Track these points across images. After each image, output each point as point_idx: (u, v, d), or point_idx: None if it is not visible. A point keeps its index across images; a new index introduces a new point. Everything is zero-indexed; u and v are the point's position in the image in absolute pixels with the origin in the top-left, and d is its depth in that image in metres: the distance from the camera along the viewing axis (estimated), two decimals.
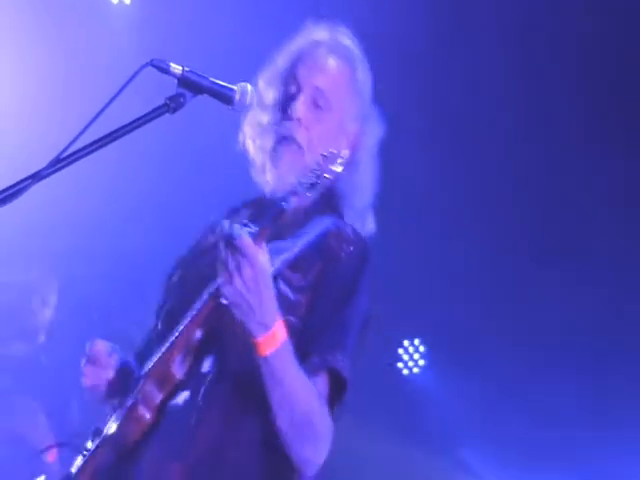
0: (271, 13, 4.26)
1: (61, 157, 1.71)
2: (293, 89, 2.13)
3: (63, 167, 1.80)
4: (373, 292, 2.04)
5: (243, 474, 1.88)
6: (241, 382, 1.90)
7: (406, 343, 6.45)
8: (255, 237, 1.75)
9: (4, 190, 1.76)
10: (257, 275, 1.73)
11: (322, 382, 1.91)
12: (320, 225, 1.94)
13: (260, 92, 2.16)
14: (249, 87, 1.91)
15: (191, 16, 4.65)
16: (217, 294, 1.84)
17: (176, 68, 1.83)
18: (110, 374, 2.04)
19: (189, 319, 1.89)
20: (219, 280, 1.76)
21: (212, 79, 1.89)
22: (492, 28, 4.60)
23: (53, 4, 4.59)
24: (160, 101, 1.84)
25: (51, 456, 3.76)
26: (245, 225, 1.75)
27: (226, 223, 1.75)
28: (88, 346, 2.07)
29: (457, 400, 6.17)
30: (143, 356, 2.04)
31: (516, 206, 5.26)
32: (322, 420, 1.89)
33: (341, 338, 1.95)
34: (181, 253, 2.24)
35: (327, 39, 2.18)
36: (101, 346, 2.07)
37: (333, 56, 2.16)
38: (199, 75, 1.86)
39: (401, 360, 6.47)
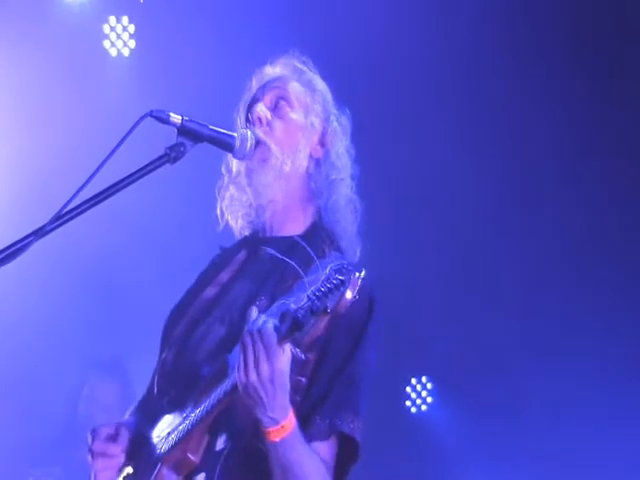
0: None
1: (62, 212, 1.69)
2: (253, 104, 2.11)
3: (65, 222, 1.75)
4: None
5: None
6: (256, 455, 1.81)
7: (414, 381, 6.42)
8: (280, 336, 1.70)
9: (6, 248, 1.76)
10: (274, 374, 1.70)
11: (330, 447, 1.85)
12: (321, 271, 1.79)
13: (227, 168, 2.10)
14: (249, 133, 1.95)
15: (189, 66, 4.64)
16: (232, 393, 1.76)
17: (175, 118, 1.84)
18: (121, 459, 1.94)
19: (204, 410, 1.80)
20: (235, 370, 1.71)
21: (212, 127, 1.89)
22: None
23: (53, 57, 4.54)
24: (160, 151, 1.82)
25: None
26: (276, 318, 1.70)
27: (255, 312, 1.75)
28: (89, 439, 1.96)
29: (466, 438, 6.06)
30: (148, 413, 1.98)
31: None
32: None
33: (350, 397, 1.88)
34: (178, 298, 2.16)
35: (280, 62, 2.17)
36: (104, 435, 1.97)
37: (278, 66, 2.17)
38: (199, 124, 1.86)
39: (409, 398, 6.43)
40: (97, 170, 1.72)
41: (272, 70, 2.20)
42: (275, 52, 2.29)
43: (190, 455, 1.82)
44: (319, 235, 2.01)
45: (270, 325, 1.70)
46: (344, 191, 2.08)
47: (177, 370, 1.96)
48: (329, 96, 2.19)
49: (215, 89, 4.23)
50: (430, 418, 6.21)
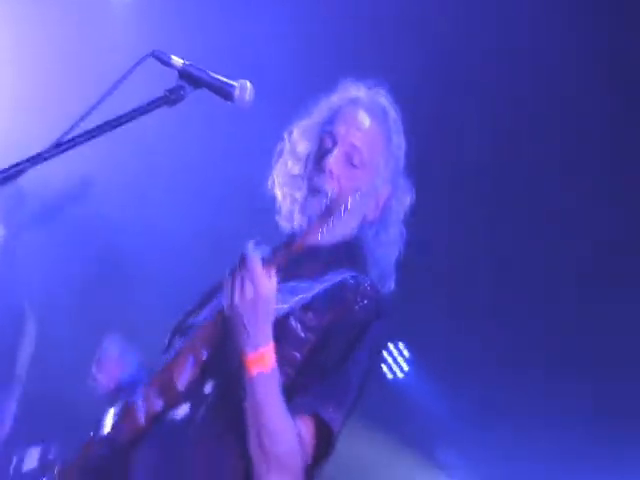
0: (274, 13, 4.39)
1: (61, 141, 1.73)
2: (329, 143, 2.13)
3: (63, 151, 1.84)
4: None
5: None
6: (237, 405, 1.87)
7: (390, 346, 6.55)
8: (266, 262, 1.82)
9: (3, 171, 1.82)
10: (257, 296, 1.80)
11: (305, 425, 1.91)
12: (339, 276, 1.98)
13: (293, 142, 2.21)
14: (249, 84, 1.92)
15: (190, 13, 4.65)
16: (218, 316, 1.89)
17: (177, 61, 1.86)
18: (118, 376, 2.06)
19: (195, 332, 1.95)
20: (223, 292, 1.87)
21: (212, 74, 1.89)
22: None
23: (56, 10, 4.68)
24: (160, 93, 1.86)
25: None
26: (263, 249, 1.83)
27: (250, 244, 1.82)
28: (104, 345, 2.12)
29: (441, 404, 6.25)
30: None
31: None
32: (292, 458, 1.87)
33: (336, 390, 1.94)
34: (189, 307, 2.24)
35: (365, 98, 2.19)
36: (114, 347, 2.11)
37: (370, 116, 2.16)
38: (199, 69, 1.88)
39: (385, 362, 6.58)
40: (97, 103, 1.76)
41: (357, 106, 2.15)
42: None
43: (175, 379, 1.88)
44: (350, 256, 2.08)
45: (256, 252, 1.79)
46: (393, 256, 2.13)
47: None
48: (402, 157, 2.18)
49: (217, 37, 4.26)
50: (406, 385, 6.44)
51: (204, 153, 4.71)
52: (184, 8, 4.70)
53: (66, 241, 4.57)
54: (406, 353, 6.38)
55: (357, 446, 5.75)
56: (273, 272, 1.83)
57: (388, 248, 2.17)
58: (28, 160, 1.71)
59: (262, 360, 1.83)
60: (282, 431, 1.87)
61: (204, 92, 1.94)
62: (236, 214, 4.08)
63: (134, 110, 1.83)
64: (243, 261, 1.82)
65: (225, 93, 1.87)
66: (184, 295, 2.32)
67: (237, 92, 1.88)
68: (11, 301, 4.06)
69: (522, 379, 5.55)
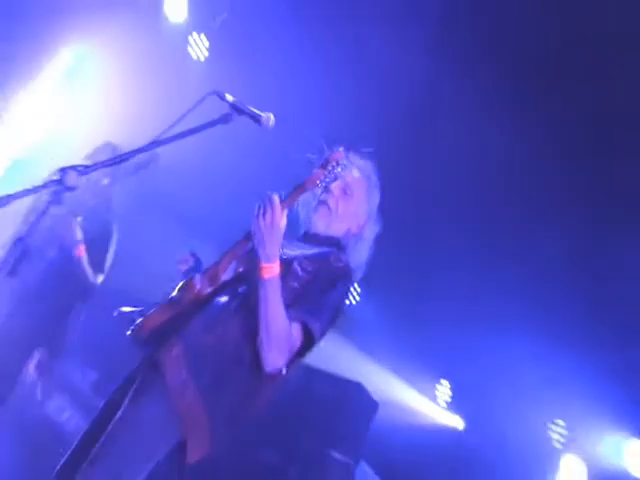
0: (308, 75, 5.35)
1: (150, 143, 2.50)
2: (334, 180, 2.86)
3: (158, 146, 2.52)
4: None
5: (241, 356, 2.59)
6: (255, 309, 2.56)
7: None
8: (282, 201, 2.57)
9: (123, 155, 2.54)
10: (272, 221, 2.53)
11: (296, 329, 2.59)
12: (328, 249, 2.84)
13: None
14: (272, 116, 2.66)
15: (247, 73, 5.59)
16: (248, 236, 2.63)
17: (229, 97, 2.62)
18: (188, 266, 2.92)
19: (237, 245, 2.71)
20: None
21: (250, 107, 2.65)
22: None
23: (153, 62, 5.71)
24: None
25: (79, 251, 4.41)
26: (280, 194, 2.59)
27: (275, 195, 2.59)
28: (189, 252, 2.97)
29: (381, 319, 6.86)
30: None
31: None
32: (287, 340, 2.56)
33: (319, 312, 2.66)
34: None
35: (359, 162, 3.02)
36: (187, 251, 2.98)
37: (361, 172, 3.01)
38: (242, 103, 2.63)
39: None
40: (178, 120, 2.51)
41: (357, 162, 3.00)
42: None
43: (220, 273, 2.67)
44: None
45: (276, 194, 2.57)
46: (363, 258, 2.97)
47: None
48: (376, 201, 3.05)
49: (264, 87, 5.07)
50: (358, 308, 6.90)
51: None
52: (243, 66, 5.69)
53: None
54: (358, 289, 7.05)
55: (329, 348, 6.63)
56: (285, 210, 2.56)
57: (360, 254, 2.96)
58: (132, 152, 2.53)
59: (271, 270, 2.52)
60: (279, 318, 2.53)
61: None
62: None
63: (203, 125, 2.56)
64: (268, 198, 2.54)
65: (257, 119, 2.63)
66: None
67: (264, 119, 2.63)
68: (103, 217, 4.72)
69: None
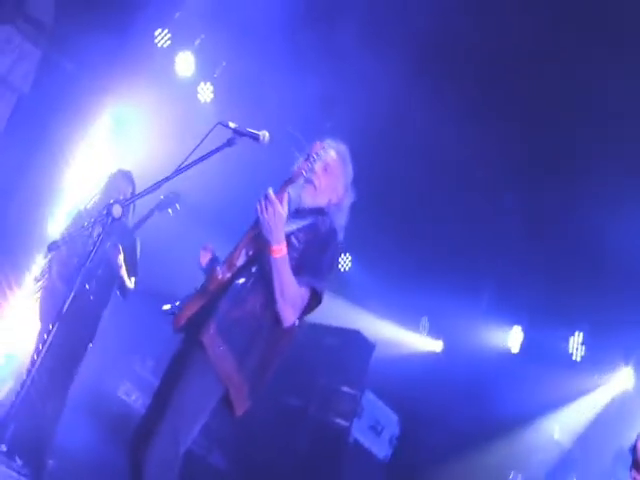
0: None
1: (180, 168, 2.99)
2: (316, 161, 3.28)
3: (182, 172, 3.02)
4: None
5: (261, 321, 3.09)
6: (268, 280, 3.01)
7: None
8: (277, 194, 2.97)
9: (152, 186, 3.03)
10: (274, 212, 2.93)
11: (305, 292, 3.04)
12: (317, 217, 3.21)
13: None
14: (267, 134, 3.10)
15: (247, 112, 6.29)
16: (256, 227, 3.06)
17: (231, 124, 3.08)
18: (210, 260, 3.31)
19: (245, 234, 3.15)
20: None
21: (248, 129, 3.11)
22: None
23: (170, 109, 6.56)
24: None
25: (120, 267, 4.94)
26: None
27: (270, 190, 2.98)
28: (208, 246, 3.34)
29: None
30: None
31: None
32: (297, 299, 3.03)
33: (320, 273, 3.09)
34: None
35: (335, 145, 3.44)
36: (209, 249, 3.35)
37: (336, 153, 3.41)
38: (243, 127, 3.10)
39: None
40: (193, 151, 3.01)
41: (330, 147, 3.38)
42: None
43: (235, 260, 3.14)
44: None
45: (271, 190, 2.98)
46: (342, 222, 3.34)
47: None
48: (350, 177, 3.44)
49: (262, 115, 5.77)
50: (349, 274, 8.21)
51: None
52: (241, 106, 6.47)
53: None
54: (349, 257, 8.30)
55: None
56: (283, 202, 2.98)
57: (341, 219, 3.32)
58: (163, 180, 3.01)
59: (280, 250, 2.94)
60: (292, 286, 2.99)
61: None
62: None
63: (214, 150, 3.04)
64: (265, 195, 2.94)
65: (255, 138, 3.08)
66: None
67: (261, 137, 3.07)
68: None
69: None
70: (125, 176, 5.10)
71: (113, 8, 5.89)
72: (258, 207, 2.97)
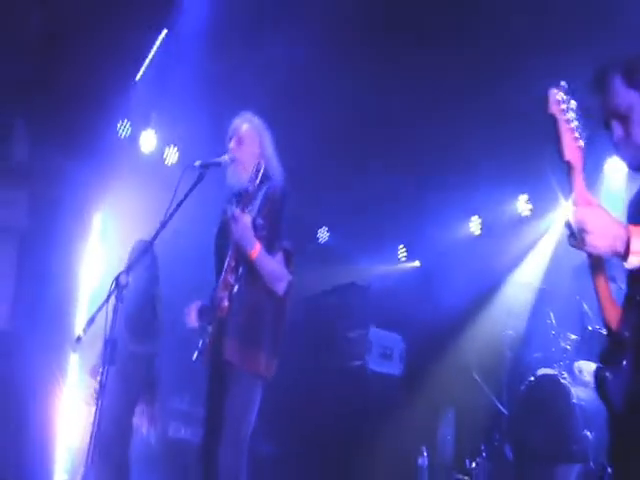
0: None
1: (165, 220, 3.28)
2: (230, 140, 3.59)
3: (165, 224, 3.29)
4: None
5: (264, 304, 3.47)
6: (254, 273, 3.35)
7: None
8: (239, 210, 3.21)
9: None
10: (242, 226, 3.25)
11: (280, 256, 3.41)
12: (262, 190, 3.44)
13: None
14: (226, 156, 3.50)
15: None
16: (236, 247, 3.30)
17: (197, 162, 3.41)
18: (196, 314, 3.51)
19: (229, 257, 3.39)
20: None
21: (212, 159, 3.46)
22: None
23: (141, 180, 6.86)
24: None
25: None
26: (237, 207, 3.27)
27: (229, 208, 3.33)
28: (190, 307, 3.54)
29: None
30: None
31: None
32: (282, 275, 3.42)
33: (282, 233, 3.45)
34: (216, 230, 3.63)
35: (248, 117, 3.71)
36: (194, 306, 3.54)
37: (249, 124, 3.66)
38: (207, 160, 3.46)
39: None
40: (172, 201, 3.33)
41: (241, 122, 3.66)
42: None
43: (229, 279, 3.40)
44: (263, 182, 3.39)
45: (234, 208, 3.29)
46: (274, 164, 3.59)
47: (222, 256, 3.50)
48: (269, 136, 3.68)
49: None
50: None
51: None
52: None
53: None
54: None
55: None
56: (246, 213, 3.26)
57: (278, 171, 3.61)
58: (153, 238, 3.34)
59: (256, 251, 3.28)
60: (275, 269, 3.39)
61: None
62: None
63: (188, 190, 3.37)
64: (232, 215, 3.25)
65: (218, 164, 3.46)
66: None
67: (223, 162, 3.45)
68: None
69: None
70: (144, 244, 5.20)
71: (76, 130, 6.39)
72: (229, 222, 3.30)
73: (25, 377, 5.78)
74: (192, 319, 3.52)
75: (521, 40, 5.27)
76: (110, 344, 3.02)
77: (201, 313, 3.52)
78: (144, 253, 3.45)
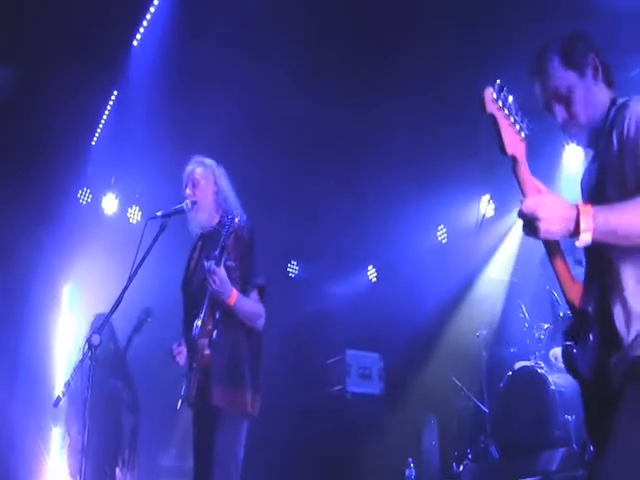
0: None
1: (131, 275, 3.37)
2: (186, 187, 3.64)
3: (134, 277, 3.40)
4: None
5: (242, 345, 3.49)
6: (231, 316, 3.37)
7: None
8: (216, 264, 3.26)
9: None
10: (221, 279, 3.25)
11: (254, 293, 3.46)
12: (225, 229, 3.35)
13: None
14: (189, 201, 3.55)
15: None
16: (212, 295, 3.34)
17: (159, 213, 3.51)
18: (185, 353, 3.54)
19: (206, 307, 3.39)
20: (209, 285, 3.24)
21: (173, 208, 3.57)
22: None
23: (105, 235, 6.99)
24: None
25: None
26: (212, 260, 3.27)
27: (206, 263, 3.30)
28: (178, 348, 3.63)
29: None
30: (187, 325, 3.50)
31: None
32: (259, 312, 3.46)
33: (257, 270, 3.50)
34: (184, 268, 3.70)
35: (202, 161, 3.74)
36: (182, 348, 3.59)
37: (202, 168, 3.70)
38: (169, 210, 3.55)
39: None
40: (137, 254, 3.48)
41: (193, 166, 3.72)
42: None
43: (209, 327, 3.41)
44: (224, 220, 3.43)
45: (212, 263, 3.27)
46: (231, 197, 3.65)
47: (191, 301, 3.55)
48: (216, 169, 3.71)
49: None
50: None
51: None
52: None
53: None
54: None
55: None
56: (221, 267, 3.27)
57: (236, 207, 3.62)
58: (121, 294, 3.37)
59: (233, 297, 3.31)
60: (252, 309, 3.42)
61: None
62: None
63: (152, 242, 3.43)
64: (209, 269, 3.25)
65: (181, 211, 3.53)
66: None
67: (185, 207, 3.52)
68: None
69: None
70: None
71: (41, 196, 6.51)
72: (208, 280, 3.33)
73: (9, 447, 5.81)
74: (183, 358, 3.63)
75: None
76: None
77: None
78: (101, 327, 3.39)
